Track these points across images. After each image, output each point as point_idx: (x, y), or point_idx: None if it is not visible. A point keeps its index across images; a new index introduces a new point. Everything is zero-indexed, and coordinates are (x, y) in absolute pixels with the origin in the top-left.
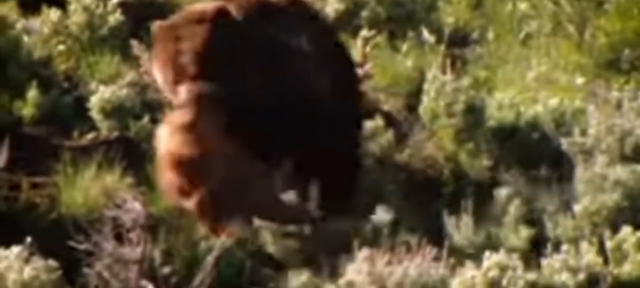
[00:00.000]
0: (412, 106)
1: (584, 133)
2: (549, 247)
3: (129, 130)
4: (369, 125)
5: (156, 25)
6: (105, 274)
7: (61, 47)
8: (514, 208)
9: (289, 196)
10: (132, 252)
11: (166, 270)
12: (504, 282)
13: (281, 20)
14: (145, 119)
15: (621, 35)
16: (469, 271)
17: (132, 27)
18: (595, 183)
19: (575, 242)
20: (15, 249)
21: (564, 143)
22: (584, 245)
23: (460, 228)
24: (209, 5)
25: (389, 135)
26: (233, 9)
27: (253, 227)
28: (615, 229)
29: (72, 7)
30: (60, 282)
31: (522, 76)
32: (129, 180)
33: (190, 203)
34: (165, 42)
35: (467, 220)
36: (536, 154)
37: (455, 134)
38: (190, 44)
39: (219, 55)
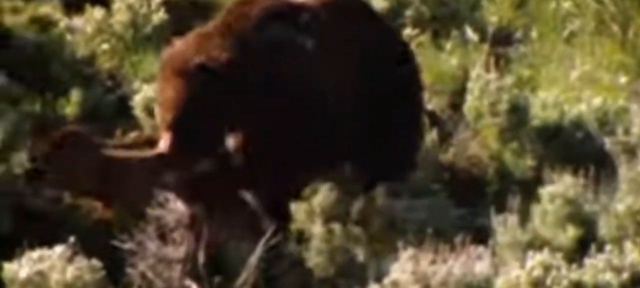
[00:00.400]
0: (456, 105)
1: (627, 132)
2: (593, 246)
3: None
4: None
5: (165, 52)
6: (149, 274)
7: (104, 46)
8: (558, 208)
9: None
10: (176, 251)
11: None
12: (548, 281)
13: (300, 23)
14: None
15: None
16: (513, 270)
17: (175, 26)
18: (639, 182)
19: (619, 241)
20: (58, 249)
21: (608, 142)
22: (628, 245)
23: (506, 228)
24: (198, 51)
25: (433, 134)
26: (217, 53)
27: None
28: None
29: (116, 5)
30: (103, 282)
31: (565, 75)
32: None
33: None
34: (159, 82)
35: (512, 219)
36: (580, 153)
37: (499, 133)
38: (170, 97)
39: (194, 116)
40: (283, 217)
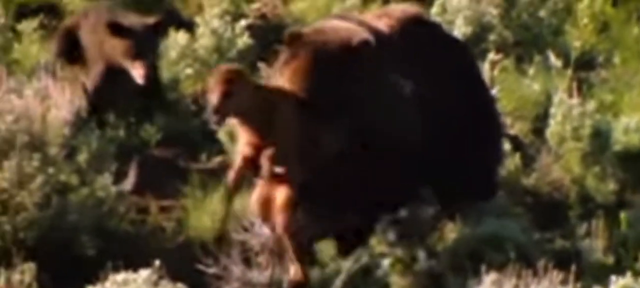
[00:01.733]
0: (538, 129)
1: None
2: None
3: None
4: None
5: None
6: None
7: (189, 71)
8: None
9: None
10: (261, 275)
11: None
12: None
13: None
14: None
15: None
16: None
17: (260, 50)
18: None
19: None
20: (144, 273)
21: None
22: None
23: (589, 252)
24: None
25: (516, 159)
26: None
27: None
28: None
29: (200, 30)
30: None
31: None
32: None
33: None
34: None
35: (595, 243)
36: None
37: (581, 158)
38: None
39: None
40: (364, 240)
